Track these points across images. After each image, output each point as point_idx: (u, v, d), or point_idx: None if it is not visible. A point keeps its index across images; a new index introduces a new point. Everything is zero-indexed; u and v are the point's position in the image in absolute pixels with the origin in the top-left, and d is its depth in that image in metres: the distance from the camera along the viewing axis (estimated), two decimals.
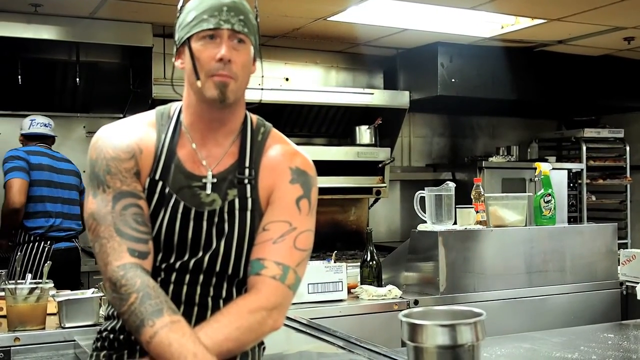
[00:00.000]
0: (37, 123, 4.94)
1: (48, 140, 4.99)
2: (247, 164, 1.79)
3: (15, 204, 4.57)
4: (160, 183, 1.75)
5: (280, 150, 1.83)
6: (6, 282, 2.67)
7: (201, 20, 1.70)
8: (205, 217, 1.74)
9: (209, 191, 1.76)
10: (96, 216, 1.70)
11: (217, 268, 1.75)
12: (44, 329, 2.64)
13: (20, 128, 5.00)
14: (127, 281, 1.62)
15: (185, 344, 1.54)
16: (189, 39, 1.73)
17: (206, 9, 1.71)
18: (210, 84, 1.70)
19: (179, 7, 1.79)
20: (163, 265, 1.74)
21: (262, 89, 1.88)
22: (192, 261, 1.74)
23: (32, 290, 2.60)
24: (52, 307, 2.76)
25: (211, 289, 1.76)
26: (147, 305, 1.58)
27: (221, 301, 1.76)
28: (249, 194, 1.77)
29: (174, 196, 1.74)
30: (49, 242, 4.70)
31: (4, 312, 2.71)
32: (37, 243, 4.69)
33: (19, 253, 4.60)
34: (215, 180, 1.76)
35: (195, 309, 1.74)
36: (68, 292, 2.96)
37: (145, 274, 1.65)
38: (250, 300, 1.69)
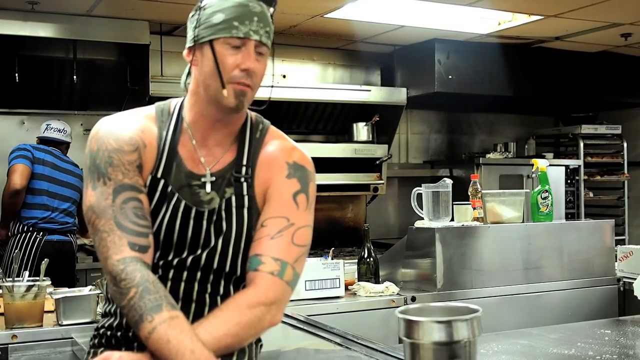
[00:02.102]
0: (52, 128, 5.10)
1: (62, 146, 5.12)
2: (244, 162, 1.79)
3: (16, 185, 4.72)
4: (162, 181, 1.74)
5: (278, 146, 1.83)
6: (3, 279, 2.67)
7: (231, 26, 1.69)
8: (205, 217, 1.74)
9: (208, 189, 1.76)
10: (96, 209, 1.69)
11: (215, 265, 1.75)
12: (41, 326, 2.64)
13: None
14: (127, 275, 1.61)
15: (183, 341, 1.54)
16: (212, 40, 1.71)
17: (237, 15, 1.69)
18: (230, 92, 1.70)
19: (200, 1, 1.76)
20: (161, 263, 1.74)
21: (272, 87, 1.88)
22: (190, 258, 1.74)
23: (29, 288, 2.60)
24: (49, 305, 2.76)
25: (209, 286, 1.76)
26: (146, 300, 1.58)
27: (219, 298, 1.76)
28: (245, 192, 1.77)
29: (176, 195, 1.74)
30: (41, 233, 4.79)
31: (1, 310, 2.71)
32: (29, 233, 4.77)
33: (15, 251, 4.63)
34: (214, 178, 1.77)
35: (193, 305, 1.74)
36: (65, 289, 2.97)
37: (145, 268, 1.64)
38: (248, 295, 1.69)
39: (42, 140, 5.05)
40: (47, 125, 5.10)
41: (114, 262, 1.63)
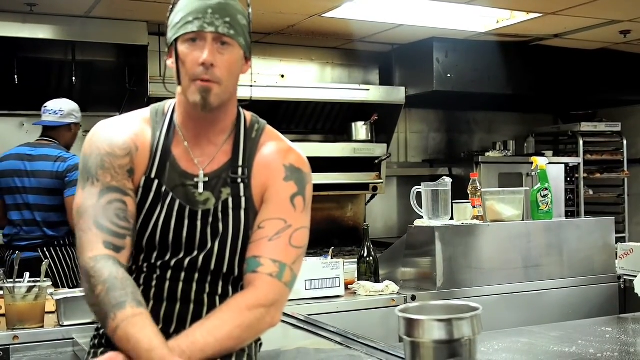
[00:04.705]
0: (47, 110, 4.51)
1: (57, 131, 4.55)
2: (240, 163, 1.79)
3: None
4: (156, 181, 1.75)
5: (274, 148, 1.83)
6: (4, 280, 2.67)
7: (186, 23, 1.69)
8: (199, 217, 1.75)
9: (201, 190, 1.76)
10: (80, 210, 1.71)
11: (212, 267, 1.76)
12: (42, 327, 2.64)
13: None
14: (96, 272, 1.62)
15: (141, 340, 1.53)
16: (176, 40, 1.72)
17: (191, 10, 1.69)
18: (193, 89, 1.69)
19: (170, 5, 1.78)
20: (159, 263, 1.75)
21: (251, 86, 1.88)
22: (187, 260, 1.75)
23: (30, 289, 2.60)
24: (50, 306, 2.76)
25: (207, 286, 1.77)
26: (111, 297, 1.58)
27: (217, 298, 1.77)
28: (242, 193, 1.78)
29: (170, 194, 1.75)
30: (11, 250, 4.38)
31: (2, 311, 2.71)
32: (3, 250, 4.48)
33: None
34: (207, 179, 1.77)
35: (192, 306, 1.75)
36: (66, 290, 2.96)
37: (115, 265, 1.64)
38: (248, 297, 1.69)
39: (44, 128, 4.52)
40: (44, 108, 4.50)
41: (86, 259, 1.64)
